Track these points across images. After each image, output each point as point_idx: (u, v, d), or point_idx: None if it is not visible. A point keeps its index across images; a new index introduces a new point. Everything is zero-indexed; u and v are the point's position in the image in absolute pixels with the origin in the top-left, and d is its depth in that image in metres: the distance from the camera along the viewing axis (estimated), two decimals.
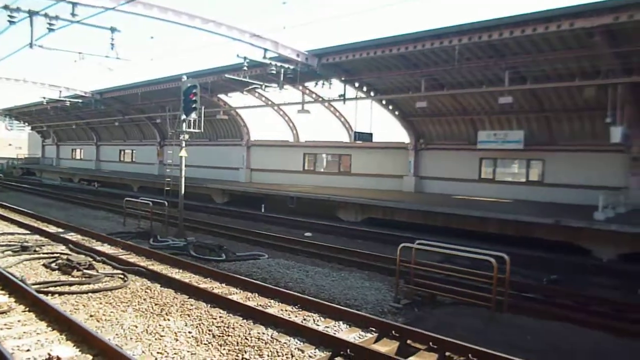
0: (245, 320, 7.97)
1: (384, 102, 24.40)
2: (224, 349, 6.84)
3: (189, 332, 7.43)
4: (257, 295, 9.55)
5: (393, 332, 7.48)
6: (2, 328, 7.25)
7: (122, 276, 10.58)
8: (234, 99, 29.70)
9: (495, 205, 19.38)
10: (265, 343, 7.05)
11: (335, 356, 6.77)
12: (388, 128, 26.97)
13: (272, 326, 7.69)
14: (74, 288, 9.63)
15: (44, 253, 12.70)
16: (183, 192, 16.66)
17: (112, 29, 16.03)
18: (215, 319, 8.05)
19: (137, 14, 15.30)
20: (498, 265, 8.52)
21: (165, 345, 6.90)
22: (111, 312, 8.29)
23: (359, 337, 7.47)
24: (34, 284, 9.41)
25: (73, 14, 14.08)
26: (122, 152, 46.27)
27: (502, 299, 8.64)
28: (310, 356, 6.74)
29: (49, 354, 6.34)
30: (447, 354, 6.81)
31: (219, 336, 7.30)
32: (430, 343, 7.03)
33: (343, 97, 22.87)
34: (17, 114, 51.69)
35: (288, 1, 18.98)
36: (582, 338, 7.77)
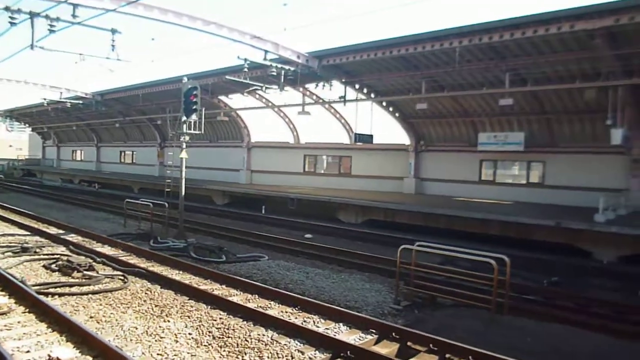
0: (245, 322, 7.97)
1: (384, 103, 24.41)
2: (224, 351, 6.83)
3: (189, 334, 7.43)
4: (257, 296, 9.55)
5: (393, 334, 7.48)
6: (2, 329, 7.24)
7: (122, 277, 10.58)
8: (235, 100, 29.71)
9: (496, 207, 19.38)
10: (266, 345, 7.04)
11: (335, 358, 6.76)
12: (388, 130, 26.97)
13: (273, 328, 7.68)
14: (74, 289, 9.63)
15: (44, 254, 12.69)
16: (183, 193, 16.67)
17: (113, 31, 16.04)
18: (215, 320, 8.04)
19: (138, 16, 15.32)
20: (498, 267, 8.52)
21: (165, 347, 6.89)
22: (111, 313, 8.29)
23: (359, 339, 7.46)
24: (34, 285, 9.40)
25: (74, 16, 14.09)
26: (123, 154, 46.30)
27: (502, 301, 8.63)
28: (310, 358, 6.73)
29: (49, 355, 6.34)
30: (448, 355, 6.80)
31: (219, 338, 7.29)
32: (431, 345, 7.02)
33: (343, 99, 22.88)
34: (18, 115, 51.76)
35: (289, 3, 19.04)
36: (583, 340, 7.76)
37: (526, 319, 8.66)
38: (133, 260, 12.49)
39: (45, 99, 35.85)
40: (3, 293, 8.93)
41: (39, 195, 31.40)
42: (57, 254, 12.57)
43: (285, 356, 6.69)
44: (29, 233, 16.08)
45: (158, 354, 6.66)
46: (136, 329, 7.54)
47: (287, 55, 19.38)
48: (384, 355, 6.63)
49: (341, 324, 8.05)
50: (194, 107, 15.64)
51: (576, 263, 13.89)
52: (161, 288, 9.93)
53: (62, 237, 15.06)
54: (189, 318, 8.16)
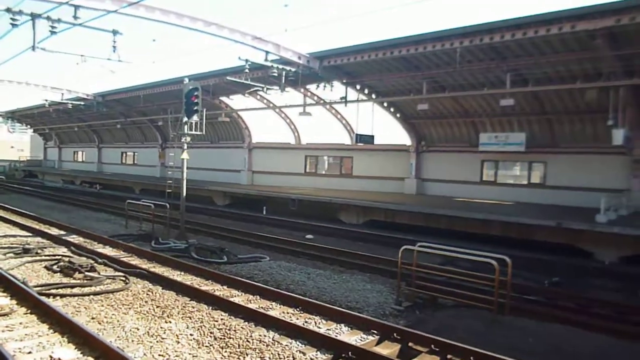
0: (247, 323, 7.97)
1: (385, 104, 24.42)
2: (226, 352, 6.84)
3: (191, 335, 7.43)
4: (258, 297, 9.55)
5: (395, 334, 7.47)
6: (3, 330, 7.25)
7: (123, 278, 10.59)
8: (236, 101, 29.74)
9: (497, 207, 19.37)
10: (267, 345, 7.04)
11: (337, 359, 6.76)
12: (389, 130, 26.99)
13: (274, 329, 7.68)
14: (75, 290, 9.63)
15: (45, 255, 12.71)
16: (185, 194, 16.68)
17: (114, 32, 16.05)
18: (216, 321, 8.04)
19: (139, 17, 15.34)
20: (500, 268, 8.52)
21: (167, 348, 6.90)
22: (113, 314, 8.30)
23: (361, 340, 7.46)
24: (35, 286, 9.41)
25: (75, 17, 14.11)
26: (124, 155, 46.35)
27: (503, 302, 8.62)
28: (312, 358, 6.74)
29: (50, 357, 6.36)
30: (449, 356, 6.80)
31: (221, 339, 7.30)
32: (432, 345, 7.02)
33: (344, 100, 22.90)
34: (20, 116, 51.89)
35: (290, 3, 19.04)
36: (584, 340, 7.75)
37: (527, 319, 8.66)
38: (134, 261, 12.49)
39: (46, 100, 35.94)
40: (5, 294, 8.94)
41: (41, 197, 31.44)
42: (59, 255, 12.58)
43: (287, 357, 6.69)
44: (30, 234, 16.10)
45: (159, 355, 6.67)
46: (138, 329, 7.55)
47: (288, 56, 19.41)
48: (385, 356, 6.63)
49: (343, 325, 8.04)
50: (195, 108, 15.65)
51: (577, 263, 13.88)
52: (162, 289, 9.94)
53: (63, 238, 15.08)
54: (191, 319, 8.17)
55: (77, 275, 10.59)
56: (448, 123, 24.50)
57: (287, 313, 8.65)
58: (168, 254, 13.37)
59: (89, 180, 41.56)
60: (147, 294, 9.54)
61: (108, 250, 13.74)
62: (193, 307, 8.77)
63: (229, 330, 7.61)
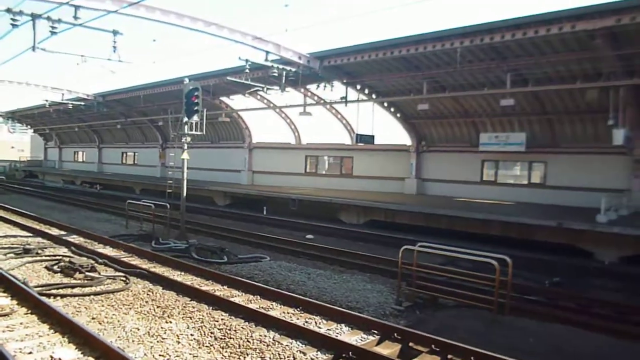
0: (247, 323, 7.97)
1: (385, 104, 24.42)
2: (226, 352, 6.84)
3: (191, 335, 7.43)
4: (259, 297, 9.55)
5: (395, 334, 7.47)
6: (4, 330, 7.25)
7: (124, 278, 10.59)
8: (236, 101, 29.75)
9: (497, 207, 19.36)
10: (268, 345, 7.05)
11: (337, 359, 6.76)
12: (390, 130, 27.00)
13: (274, 329, 7.69)
14: (76, 290, 9.63)
15: (46, 255, 12.71)
16: (185, 194, 16.69)
17: (115, 32, 16.05)
18: (217, 321, 8.04)
19: (139, 17, 15.35)
20: (500, 268, 8.52)
21: (167, 348, 6.90)
22: (113, 314, 8.30)
23: (361, 340, 7.46)
24: (36, 287, 9.41)
25: (75, 17, 14.11)
26: (125, 155, 46.37)
27: (504, 302, 8.61)
28: (312, 359, 6.74)
29: (51, 357, 6.37)
30: (449, 356, 6.80)
31: (221, 339, 7.30)
32: (433, 345, 7.02)
33: (345, 100, 22.90)
34: (20, 116, 51.92)
35: (290, 4, 19.06)
36: (585, 341, 7.75)
37: (528, 319, 8.65)
38: (135, 261, 12.49)
39: (47, 101, 35.96)
40: (5, 294, 8.94)
41: (41, 197, 31.45)
42: (59, 255, 12.58)
43: (287, 357, 6.69)
44: (31, 234, 16.10)
45: (160, 355, 6.67)
46: (138, 330, 7.55)
47: (288, 56, 19.41)
48: (385, 356, 6.63)
49: (343, 325, 8.04)
50: (196, 108, 15.66)
51: (578, 263, 13.87)
52: (163, 289, 9.94)
53: (64, 238, 15.08)
54: (191, 319, 8.17)
55: (77, 275, 10.60)
56: (448, 123, 24.50)
57: (288, 313, 8.65)
58: (168, 254, 13.37)
59: (89, 181, 41.57)
60: (148, 294, 9.54)
61: (108, 251, 13.74)
62: (193, 307, 8.77)
63: (230, 330, 7.61)
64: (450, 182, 24.51)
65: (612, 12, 13.38)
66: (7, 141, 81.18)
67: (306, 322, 8.17)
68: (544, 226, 15.48)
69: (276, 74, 19.88)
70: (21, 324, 7.58)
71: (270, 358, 6.66)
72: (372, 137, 25.10)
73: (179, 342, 7.13)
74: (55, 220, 18.89)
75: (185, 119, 15.89)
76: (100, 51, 18.20)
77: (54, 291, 9.37)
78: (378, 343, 7.41)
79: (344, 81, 22.13)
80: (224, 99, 29.89)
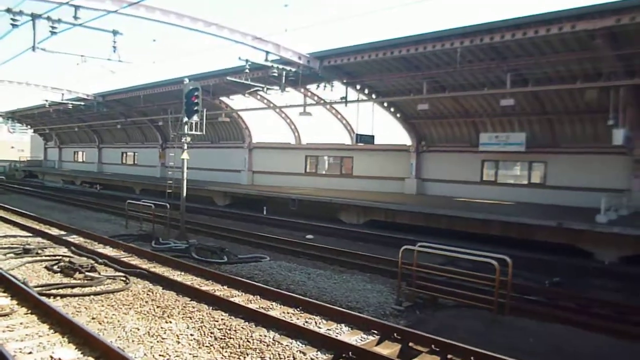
0: (247, 323, 7.97)
1: (385, 104, 24.42)
2: (226, 352, 6.84)
3: (191, 335, 7.43)
4: (259, 297, 9.55)
5: (395, 334, 7.48)
6: (4, 330, 7.26)
7: (124, 279, 10.59)
8: (236, 101, 29.75)
9: (497, 207, 19.37)
10: (267, 345, 7.05)
11: (337, 359, 6.76)
12: (390, 130, 27.00)
13: (274, 329, 7.69)
14: (76, 290, 9.64)
15: (46, 255, 12.71)
16: (185, 194, 16.69)
17: (115, 32, 16.04)
18: (217, 321, 8.05)
19: (139, 17, 15.34)
20: (500, 268, 8.52)
21: (167, 348, 6.90)
22: (113, 314, 8.30)
23: (361, 340, 7.46)
24: (36, 287, 9.41)
25: (75, 17, 14.10)
26: (124, 155, 46.37)
27: (504, 302, 8.62)
28: (312, 359, 6.74)
29: (51, 357, 6.37)
30: (449, 356, 6.80)
31: (221, 339, 7.30)
32: (433, 345, 7.02)
33: (345, 100, 22.90)
34: (20, 116, 51.91)
35: (290, 4, 19.05)
36: (585, 340, 7.75)
37: (528, 319, 8.66)
38: (135, 261, 12.49)
39: (46, 101, 35.94)
40: (5, 294, 8.94)
41: (41, 197, 31.45)
42: (59, 255, 12.58)
43: (287, 357, 6.69)
44: (30, 234, 16.11)
45: (160, 355, 6.67)
46: (138, 330, 7.55)
47: (288, 56, 19.41)
48: (385, 356, 6.63)
49: (343, 325, 8.04)
50: (196, 108, 15.66)
51: (578, 263, 13.88)
52: (163, 289, 9.94)
53: (63, 238, 15.08)
54: (191, 319, 8.17)
55: (77, 275, 10.60)
56: (448, 123, 24.51)
57: (288, 313, 8.65)
58: (168, 254, 13.37)
59: (89, 181, 41.58)
60: (148, 294, 9.54)
61: (108, 251, 13.74)
62: (193, 307, 8.77)
63: (230, 330, 7.61)
64: (450, 182, 24.51)
65: (612, 12, 13.38)
66: (7, 141, 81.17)
67: (306, 322, 8.17)
68: (544, 226, 15.49)
69: (276, 74, 19.89)
70: (21, 324, 7.58)
71: (270, 358, 6.66)
72: (372, 137, 25.10)
73: (178, 342, 7.13)
74: (55, 220, 18.89)
75: (185, 119, 15.89)
76: (100, 51, 18.20)
77: (53, 291, 9.37)
78: (378, 343, 7.41)
79: (344, 81, 22.13)
80: (223, 99, 29.89)
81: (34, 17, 14.52)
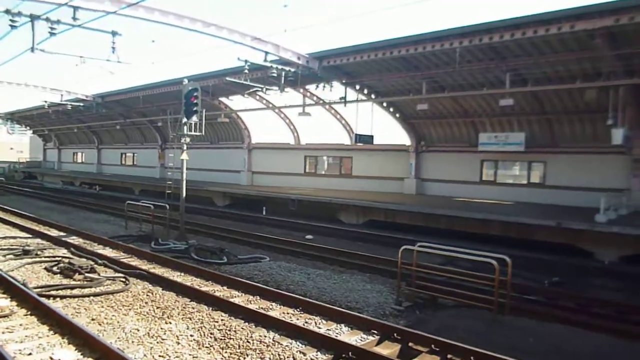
0: (247, 323, 7.97)
1: (384, 104, 24.43)
2: (226, 352, 6.84)
3: (191, 336, 7.43)
4: (258, 298, 9.55)
5: (395, 334, 7.48)
6: (4, 332, 7.25)
7: (123, 279, 10.59)
8: (235, 101, 29.75)
9: (497, 207, 19.37)
10: (267, 346, 7.04)
11: (337, 359, 6.76)
12: (389, 130, 27.01)
13: (274, 329, 7.69)
14: (75, 292, 9.63)
15: (45, 257, 12.70)
16: (184, 195, 16.68)
17: (114, 33, 16.03)
18: (217, 322, 8.04)
19: (138, 18, 15.33)
20: (500, 268, 8.52)
21: (167, 349, 6.90)
22: (113, 315, 8.29)
23: (361, 340, 7.46)
24: (35, 288, 9.41)
25: (74, 18, 14.08)
26: (124, 156, 46.35)
27: (504, 301, 8.62)
28: (312, 359, 6.74)
29: (51, 358, 6.36)
30: (449, 356, 6.80)
31: (221, 339, 7.30)
32: (432, 345, 7.02)
33: (344, 100, 22.89)
34: (19, 117, 51.84)
35: (289, 4, 19.05)
36: (585, 340, 7.76)
37: (528, 319, 8.66)
38: (134, 262, 12.49)
39: (46, 102, 35.86)
40: (5, 296, 8.94)
41: (40, 198, 31.43)
42: (59, 257, 12.57)
43: (287, 357, 6.69)
44: (30, 235, 16.10)
45: (160, 356, 6.66)
46: (138, 330, 7.55)
47: (287, 56, 19.41)
48: (385, 356, 6.63)
49: (343, 325, 8.04)
50: (195, 108, 15.64)
51: (577, 263, 13.88)
52: (163, 290, 9.94)
53: (63, 239, 15.08)
54: (191, 320, 8.17)
55: (77, 276, 10.60)
56: (447, 123, 24.51)
57: (287, 313, 8.65)
58: (168, 254, 13.37)
59: (88, 182, 41.56)
60: (147, 295, 9.53)
61: (108, 252, 13.73)
62: (193, 308, 8.77)
63: (229, 330, 7.61)
64: (450, 182, 24.52)
65: (610, 12, 13.39)
66: (6, 142, 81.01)
67: (306, 322, 8.17)
68: (543, 226, 15.49)
69: (275, 75, 19.89)
70: (21, 325, 7.57)
71: (270, 358, 6.66)
72: (371, 137, 25.10)
73: (178, 343, 7.13)
74: (54, 222, 18.88)
75: (185, 120, 15.88)
76: (99, 52, 18.29)
77: (53, 292, 9.36)
78: (378, 343, 7.41)
79: (343, 81, 22.13)
80: (223, 99, 29.88)
81: (33, 18, 14.50)
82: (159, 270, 11.58)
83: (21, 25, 14.51)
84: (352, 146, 28.65)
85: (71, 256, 12.67)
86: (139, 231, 17.14)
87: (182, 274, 11.47)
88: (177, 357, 6.66)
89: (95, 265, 11.53)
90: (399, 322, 8.42)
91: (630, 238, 13.77)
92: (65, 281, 10.34)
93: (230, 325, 7.84)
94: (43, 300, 8.47)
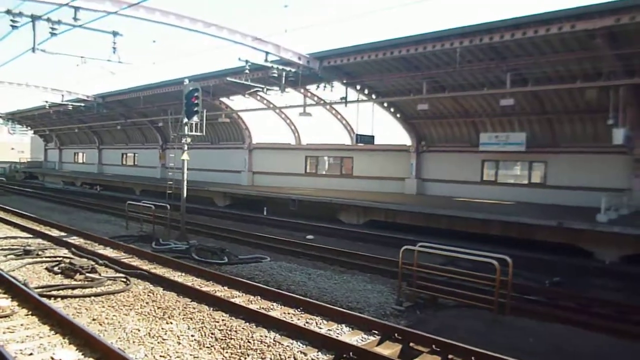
0: (247, 324, 7.98)
1: (385, 104, 24.44)
2: (227, 352, 6.84)
3: (192, 336, 7.44)
4: (259, 298, 9.56)
5: (396, 334, 7.48)
6: (5, 332, 7.26)
7: (124, 280, 10.60)
8: (236, 102, 29.76)
9: (497, 207, 19.37)
10: (268, 346, 7.05)
11: (338, 359, 6.76)
12: (390, 130, 27.02)
13: (275, 329, 7.69)
14: (76, 292, 9.64)
15: (46, 257, 12.72)
16: (185, 195, 16.69)
17: (114, 33, 16.05)
18: (217, 322, 8.05)
19: (139, 18, 15.35)
20: (500, 268, 8.52)
21: (168, 349, 6.90)
22: (114, 315, 8.30)
23: (362, 340, 7.46)
24: (36, 288, 9.42)
25: (75, 18, 14.11)
26: (125, 156, 46.38)
27: (504, 302, 8.62)
28: (313, 359, 6.74)
29: (52, 358, 6.37)
30: (450, 356, 6.80)
31: (222, 339, 7.30)
32: (433, 346, 7.02)
33: (345, 100, 22.91)
34: (20, 118, 51.90)
35: (289, 4, 19.07)
36: (585, 340, 7.76)
37: (528, 319, 8.66)
38: (135, 262, 12.50)
39: (47, 102, 35.91)
40: (6, 296, 8.95)
41: (41, 198, 31.46)
42: (60, 257, 12.59)
43: (288, 358, 6.70)
44: (31, 236, 16.11)
45: (161, 356, 6.67)
46: (139, 331, 7.55)
47: (288, 56, 19.42)
48: (386, 356, 6.64)
49: (344, 325, 8.05)
50: (195, 109, 15.65)
51: (578, 263, 13.87)
52: (163, 290, 9.95)
53: (64, 239, 15.09)
54: (192, 320, 8.18)
55: (78, 276, 10.61)
56: (448, 123, 24.51)
57: (288, 314, 8.66)
58: (169, 255, 13.38)
59: (89, 182, 41.59)
60: (148, 295, 9.54)
61: (109, 252, 13.74)
62: (194, 308, 8.77)
63: (230, 331, 7.62)
64: (451, 182, 24.51)
65: (611, 12, 13.39)
66: (7, 142, 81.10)
67: (307, 322, 8.18)
68: (544, 226, 15.49)
69: (276, 75, 19.90)
70: (22, 325, 7.58)
71: (271, 359, 6.66)
72: (372, 137, 25.10)
73: (179, 343, 7.13)
74: (55, 222, 18.89)
75: (185, 120, 15.89)
76: (100, 52, 18.31)
77: (54, 292, 9.38)
78: (379, 343, 7.41)
79: (344, 81, 22.13)
80: (223, 99, 29.90)
81: (34, 18, 14.53)
82: (159, 271, 11.59)
83: (22, 25, 14.54)
84: (353, 146, 28.65)
85: (72, 256, 12.68)
86: (140, 231, 17.16)
87: (183, 274, 11.48)
88: (178, 357, 6.67)
89: (96, 266, 11.53)
90: (399, 322, 8.42)
91: (631, 238, 13.76)
92: (66, 281, 10.35)
93: (231, 326, 7.85)
94: (44, 300, 8.48)
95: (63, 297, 9.17)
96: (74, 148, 54.25)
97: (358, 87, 22.80)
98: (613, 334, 8.07)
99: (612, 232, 14.10)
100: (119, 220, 20.89)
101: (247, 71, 19.40)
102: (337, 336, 7.47)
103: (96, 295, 9.42)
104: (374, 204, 20.74)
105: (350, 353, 6.71)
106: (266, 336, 7.43)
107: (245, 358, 6.68)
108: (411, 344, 7.27)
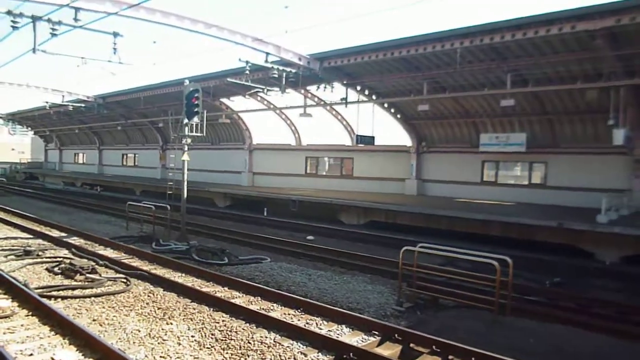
0: (248, 324, 7.98)
1: (386, 105, 24.44)
2: (227, 353, 6.84)
3: (192, 336, 7.44)
4: (259, 298, 9.56)
5: (396, 335, 7.48)
6: (5, 332, 7.26)
7: (124, 280, 10.60)
8: (236, 102, 29.77)
9: (498, 208, 19.37)
10: (268, 347, 7.05)
11: None
12: (390, 131, 27.01)
13: (275, 330, 7.69)
14: (76, 292, 9.64)
15: (46, 257, 12.72)
16: (185, 196, 16.70)
17: (115, 34, 16.07)
18: (218, 322, 8.05)
19: (139, 19, 15.36)
20: (501, 268, 8.52)
21: (168, 350, 6.90)
22: (114, 316, 8.30)
23: (362, 341, 7.46)
24: (37, 288, 9.42)
25: (76, 19, 14.12)
26: (125, 157, 46.40)
27: (504, 302, 8.61)
28: None
29: (52, 359, 6.37)
30: (450, 357, 6.80)
31: (222, 340, 7.30)
32: (433, 346, 7.02)
33: (345, 101, 22.91)
34: (20, 118, 51.92)
35: (290, 5, 19.07)
36: (585, 341, 7.75)
37: (528, 319, 8.66)
38: (135, 262, 12.50)
39: (47, 102, 35.92)
40: (6, 296, 8.95)
41: (41, 199, 31.47)
42: (60, 257, 12.58)
43: (288, 358, 6.70)
44: (31, 236, 16.12)
45: (161, 357, 6.67)
46: (139, 331, 7.55)
47: (288, 57, 19.43)
48: (386, 357, 6.64)
49: (344, 326, 8.05)
50: (196, 109, 15.66)
51: (578, 264, 13.87)
52: (164, 290, 9.95)
53: (64, 240, 15.09)
54: (192, 320, 8.18)
55: (78, 277, 10.61)
56: (449, 124, 24.51)
57: (288, 314, 8.66)
58: (169, 255, 13.38)
59: (89, 182, 41.61)
60: (149, 296, 9.54)
61: (109, 252, 13.74)
62: (194, 309, 8.77)
63: (230, 331, 7.62)
64: (451, 182, 24.51)
65: (611, 13, 13.39)
66: (7, 143, 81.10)
67: (307, 323, 8.18)
68: (544, 226, 15.48)
69: (276, 75, 19.90)
70: (22, 325, 7.59)
71: (271, 359, 6.66)
72: (373, 138, 25.09)
73: (179, 344, 7.13)
74: (55, 222, 18.90)
75: (186, 121, 15.90)
76: (101, 53, 18.32)
77: (54, 293, 9.38)
78: (379, 344, 7.41)
79: (344, 82, 22.14)
80: (224, 100, 29.91)
81: (35, 19, 14.54)
82: (160, 271, 11.60)
83: (23, 26, 14.56)
84: (353, 147, 28.64)
85: (72, 257, 12.68)
86: (140, 232, 17.16)
87: (183, 274, 11.48)
88: (178, 357, 6.67)
89: (97, 266, 11.53)
90: (400, 323, 8.41)
91: (632, 238, 13.75)
92: (66, 282, 10.35)
93: (232, 326, 7.85)
94: (44, 300, 8.48)
95: (63, 298, 9.18)
96: (74, 149, 54.28)
97: (358, 87, 22.81)
98: (613, 334, 8.06)
99: (613, 233, 14.09)
100: (119, 220, 20.89)
101: (247, 72, 19.41)
102: (337, 337, 7.47)
103: (96, 295, 9.42)
104: (374, 204, 20.74)
105: (351, 354, 6.70)
106: (266, 337, 7.43)
107: (246, 359, 6.68)
108: (411, 345, 7.27)
